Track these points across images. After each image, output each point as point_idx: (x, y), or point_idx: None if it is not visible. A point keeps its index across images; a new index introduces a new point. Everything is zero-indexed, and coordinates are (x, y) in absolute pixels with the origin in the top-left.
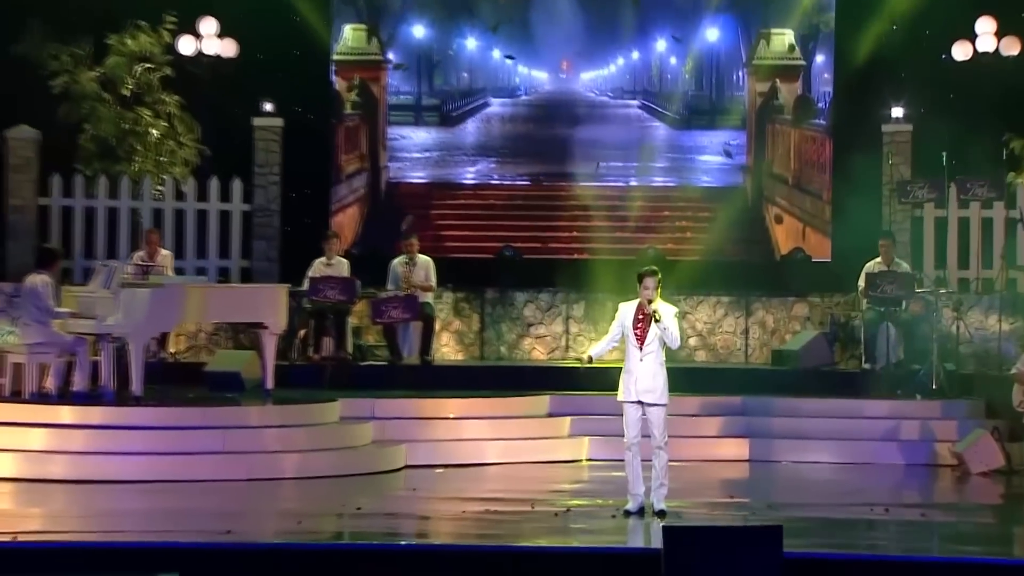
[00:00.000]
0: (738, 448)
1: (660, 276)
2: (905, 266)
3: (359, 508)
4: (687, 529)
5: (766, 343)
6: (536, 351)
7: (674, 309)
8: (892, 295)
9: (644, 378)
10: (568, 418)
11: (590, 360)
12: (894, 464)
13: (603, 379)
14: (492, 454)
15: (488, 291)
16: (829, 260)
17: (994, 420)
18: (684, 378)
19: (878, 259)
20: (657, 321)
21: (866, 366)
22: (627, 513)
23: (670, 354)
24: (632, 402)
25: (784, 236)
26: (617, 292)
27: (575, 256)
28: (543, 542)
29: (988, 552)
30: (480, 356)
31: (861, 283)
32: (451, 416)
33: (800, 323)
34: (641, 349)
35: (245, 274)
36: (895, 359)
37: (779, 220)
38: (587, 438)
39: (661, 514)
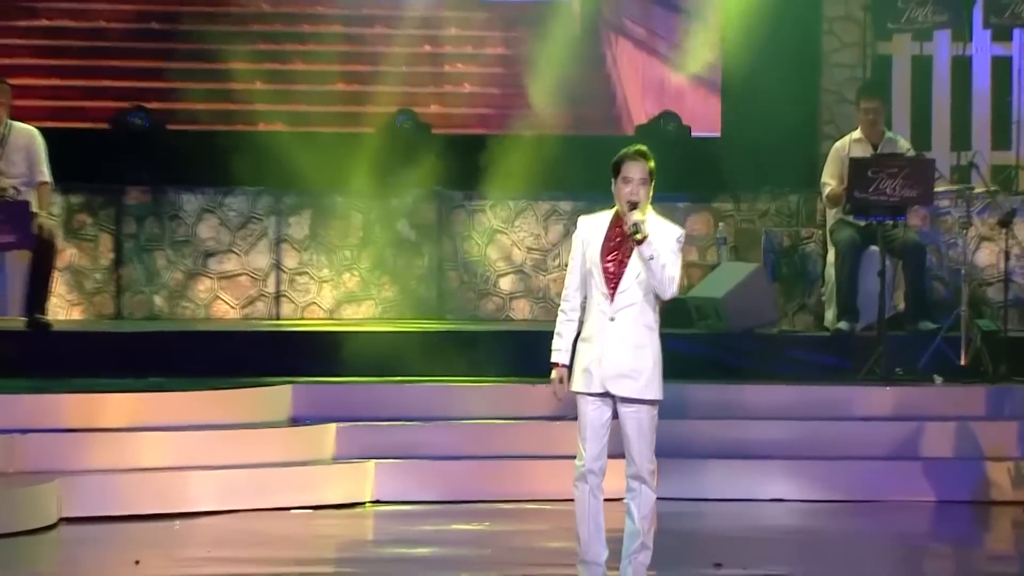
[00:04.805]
0: None
1: (652, 163)
2: (904, 143)
3: None
4: None
5: None
6: (221, 303)
7: (678, 230)
8: (898, 198)
9: (616, 352)
10: (330, 426)
11: (565, 369)
12: (918, 502)
13: (383, 347)
14: (206, 494)
15: (131, 193)
16: (718, 135)
17: None
18: (513, 352)
19: (855, 134)
20: (640, 241)
21: (840, 325)
22: None
23: (488, 312)
24: (594, 395)
25: (640, 92)
26: (369, 197)
27: (260, 126)
28: None
29: None
30: (116, 314)
31: (829, 179)
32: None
33: (699, 249)
34: (612, 299)
35: None
36: (891, 312)
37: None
38: (371, 462)
39: None
